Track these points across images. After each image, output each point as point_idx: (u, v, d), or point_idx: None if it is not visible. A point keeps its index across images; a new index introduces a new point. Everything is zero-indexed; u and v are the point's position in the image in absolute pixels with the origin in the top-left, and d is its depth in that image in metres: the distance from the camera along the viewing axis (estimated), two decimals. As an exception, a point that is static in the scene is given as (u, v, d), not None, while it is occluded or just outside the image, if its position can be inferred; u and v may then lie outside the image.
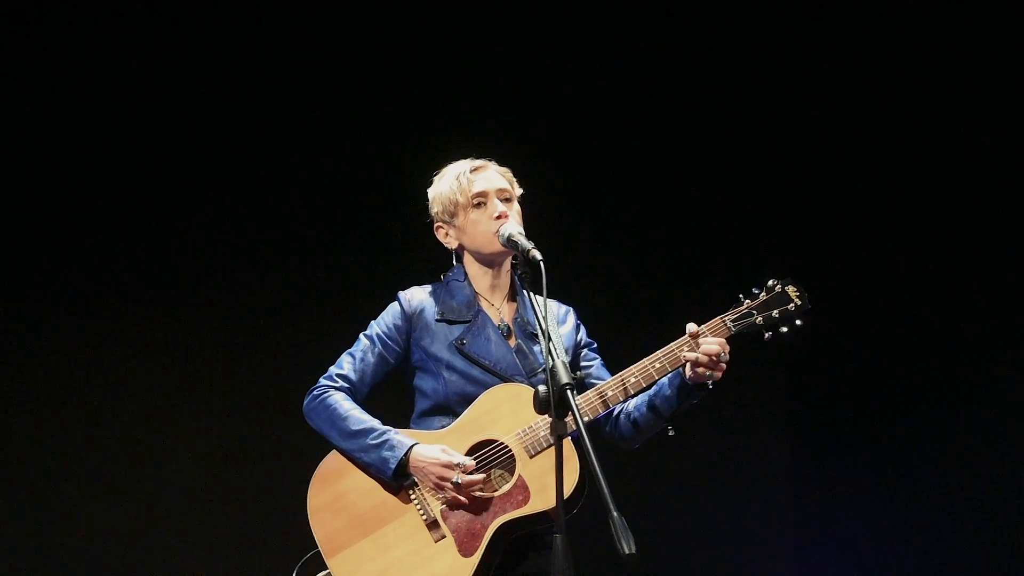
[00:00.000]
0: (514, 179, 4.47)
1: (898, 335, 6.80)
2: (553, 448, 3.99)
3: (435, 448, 4.15)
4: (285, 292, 6.53)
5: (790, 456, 7.18)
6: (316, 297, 6.53)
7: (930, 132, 6.66)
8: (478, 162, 4.44)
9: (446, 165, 4.50)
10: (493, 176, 4.41)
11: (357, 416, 4.26)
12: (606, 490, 3.41)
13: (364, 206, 6.56)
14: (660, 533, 6.44)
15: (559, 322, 4.47)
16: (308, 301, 6.53)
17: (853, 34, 6.81)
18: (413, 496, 4.18)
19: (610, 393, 4.17)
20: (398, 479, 4.17)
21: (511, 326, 4.38)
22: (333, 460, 4.27)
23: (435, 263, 4.56)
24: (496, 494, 4.13)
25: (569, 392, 3.61)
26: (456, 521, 4.13)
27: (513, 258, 4.33)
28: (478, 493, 4.12)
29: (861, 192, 6.90)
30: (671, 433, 4.25)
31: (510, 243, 4.19)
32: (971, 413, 6.55)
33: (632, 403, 4.32)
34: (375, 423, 4.24)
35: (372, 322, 4.45)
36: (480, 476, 4.12)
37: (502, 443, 4.17)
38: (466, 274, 4.44)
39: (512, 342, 4.36)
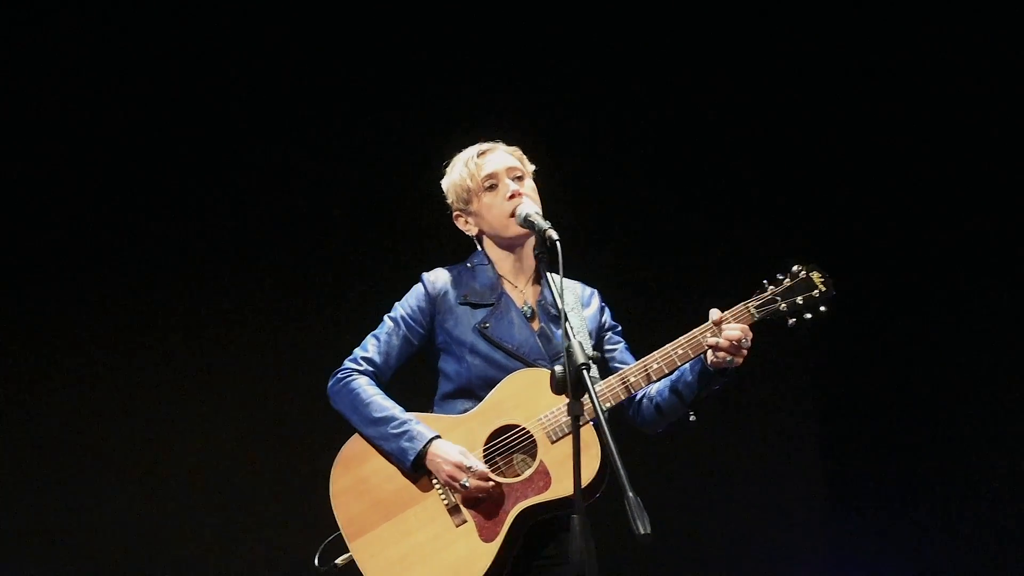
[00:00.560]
0: (524, 156, 4.45)
1: (934, 333, 6.76)
2: (575, 434, 4.06)
3: (454, 449, 4.14)
4: (308, 275, 6.55)
5: (821, 460, 7.19)
6: (340, 279, 6.54)
7: (970, 112, 6.61)
8: (485, 145, 4.44)
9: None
10: (502, 156, 4.40)
11: (379, 403, 4.26)
12: (621, 470, 3.40)
13: (388, 189, 6.56)
14: (688, 532, 6.46)
15: (583, 304, 4.45)
16: (332, 283, 6.55)
17: (879, 15, 6.76)
18: (435, 481, 4.17)
19: (632, 379, 4.15)
20: (417, 470, 4.18)
21: (535, 309, 4.37)
22: (355, 444, 4.27)
23: (459, 245, 4.55)
24: (518, 479, 4.12)
25: (585, 372, 3.59)
26: (477, 506, 4.13)
27: (535, 239, 4.29)
28: (496, 481, 4.11)
29: (899, 179, 6.86)
30: (692, 419, 4.24)
31: (527, 223, 4.17)
32: (1004, 413, 6.52)
33: (655, 388, 4.30)
34: (397, 410, 4.24)
35: (396, 304, 4.44)
36: (489, 484, 4.11)
37: (524, 428, 4.16)
38: (489, 258, 4.42)
39: (536, 325, 4.34)
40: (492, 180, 4.35)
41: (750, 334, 4.09)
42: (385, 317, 4.43)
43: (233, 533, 6.33)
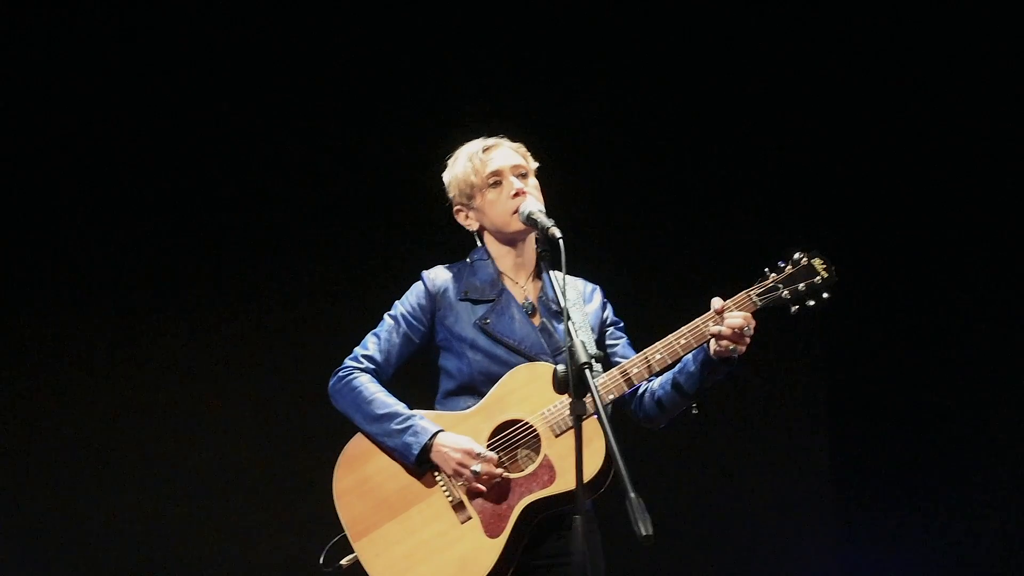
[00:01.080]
0: (528, 153, 4.42)
1: (946, 327, 6.73)
2: (578, 427, 4.04)
3: (460, 438, 4.12)
4: (308, 275, 6.54)
5: (830, 455, 7.15)
6: (340, 279, 6.53)
7: (977, 98, 6.60)
8: (489, 140, 4.40)
9: (465, 143, 4.45)
10: (507, 153, 4.37)
11: (382, 400, 4.24)
12: (624, 471, 3.39)
13: (388, 187, 6.54)
14: (693, 530, 6.43)
15: (585, 300, 4.43)
16: (332, 282, 6.53)
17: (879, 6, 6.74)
18: (439, 478, 4.15)
19: (634, 371, 4.12)
20: (421, 465, 4.15)
21: (536, 305, 4.34)
22: (358, 443, 4.25)
23: (459, 243, 4.52)
24: (522, 474, 4.10)
25: (587, 372, 3.58)
26: (482, 502, 4.10)
27: (537, 236, 4.27)
28: (504, 473, 4.09)
29: (901, 169, 6.83)
30: (695, 412, 4.21)
31: (530, 221, 4.16)
32: (1018, 409, 6.49)
33: (656, 382, 4.28)
34: (400, 407, 4.22)
35: (396, 302, 4.42)
36: (499, 470, 4.09)
37: (527, 423, 4.13)
38: (489, 253, 4.40)
39: (537, 321, 4.32)
40: (497, 177, 4.32)
41: (753, 322, 4.07)
42: (385, 315, 4.41)
43: (237, 536, 6.30)
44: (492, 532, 4.06)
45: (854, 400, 7.03)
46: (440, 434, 4.13)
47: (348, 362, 4.36)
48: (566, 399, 4.00)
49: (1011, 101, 6.43)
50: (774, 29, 6.94)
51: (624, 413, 4.35)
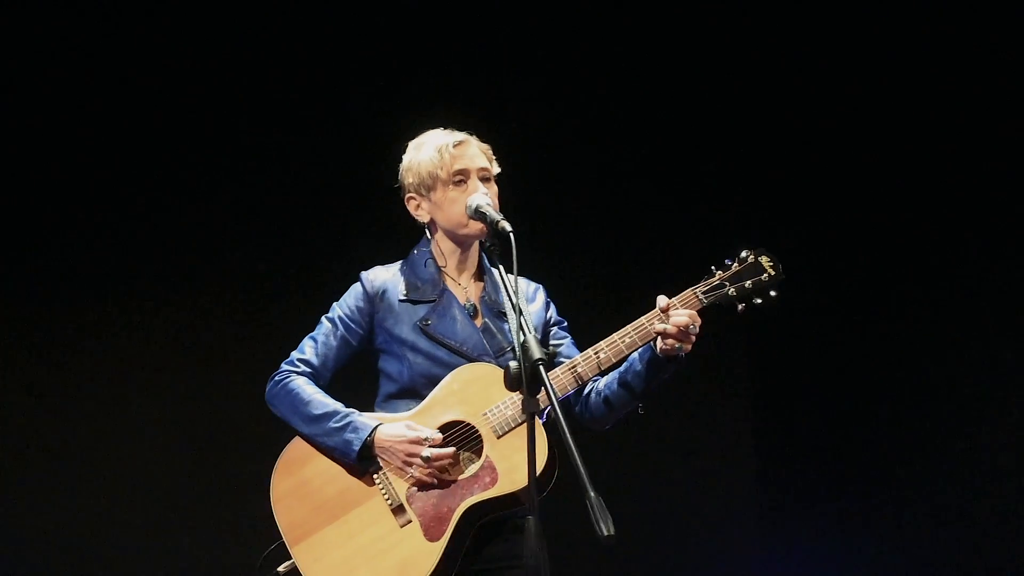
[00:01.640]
0: (493, 157, 4.32)
1: (869, 329, 6.75)
2: (521, 428, 3.99)
3: (399, 425, 4.05)
4: (247, 276, 6.44)
5: (755, 457, 7.15)
6: (278, 280, 6.44)
7: (907, 107, 6.59)
8: (460, 136, 4.28)
9: (411, 142, 4.35)
10: (476, 153, 4.26)
11: (320, 400, 4.16)
12: (582, 469, 3.29)
13: (325, 187, 6.47)
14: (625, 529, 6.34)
15: (528, 300, 4.35)
16: (269, 285, 6.44)
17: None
18: (378, 480, 4.07)
19: (581, 369, 4.05)
20: (362, 462, 4.07)
21: (477, 305, 4.27)
22: (297, 447, 4.16)
23: (401, 242, 4.43)
24: (463, 476, 4.02)
25: (541, 367, 3.49)
26: (422, 505, 4.02)
27: (484, 232, 4.19)
28: (445, 475, 4.01)
29: (837, 172, 6.81)
30: (641, 411, 4.15)
31: (478, 214, 4.08)
32: (941, 410, 6.52)
33: (602, 381, 4.21)
34: (338, 406, 4.14)
35: (334, 304, 4.33)
36: (450, 449, 4.02)
37: (468, 424, 4.06)
38: (434, 250, 4.31)
39: (479, 321, 4.24)
40: (462, 176, 4.21)
41: (698, 320, 4.00)
42: (322, 318, 4.33)
43: (173, 545, 6.18)
44: (432, 536, 3.98)
45: (778, 401, 7.06)
46: (380, 427, 4.06)
47: (284, 366, 4.28)
48: (508, 400, 4.02)
49: (934, 118, 6.49)
50: (727, 23, 6.93)
51: (568, 414, 4.27)
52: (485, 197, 4.15)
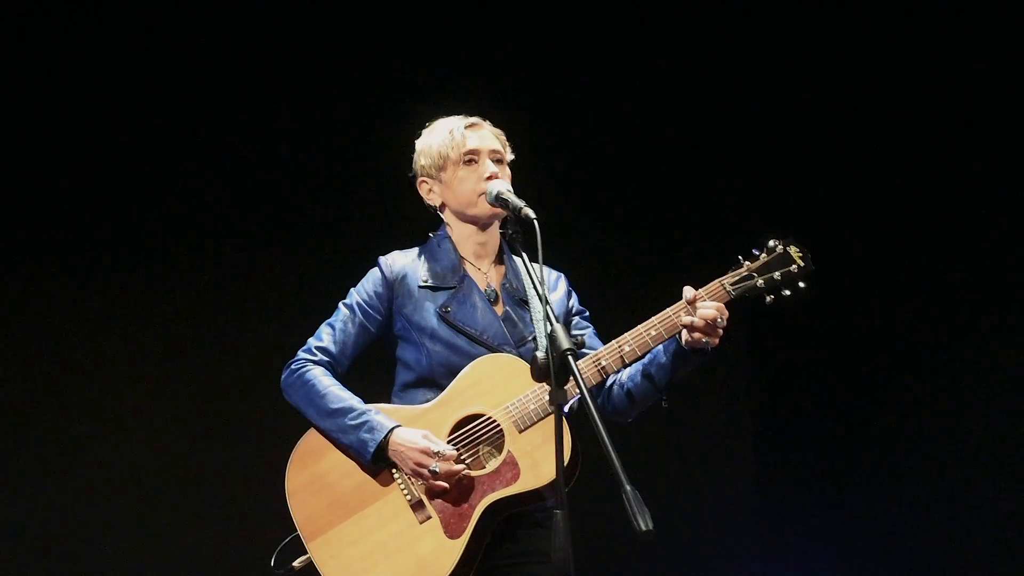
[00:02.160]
0: (507, 143, 4.28)
1: (870, 332, 6.74)
2: (544, 422, 3.92)
3: (417, 433, 3.96)
4: (261, 261, 6.35)
5: (755, 461, 7.13)
6: (293, 266, 6.36)
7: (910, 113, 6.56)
8: (473, 119, 4.26)
9: (425, 127, 4.31)
10: (487, 135, 4.23)
11: (336, 394, 4.08)
12: (616, 462, 3.20)
13: (342, 172, 6.38)
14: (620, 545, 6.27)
15: (550, 289, 4.27)
16: (285, 270, 6.36)
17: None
18: (397, 475, 3.99)
19: (605, 362, 3.96)
20: (377, 463, 3.99)
21: (499, 292, 4.19)
22: (312, 439, 4.09)
23: (417, 228, 4.36)
24: (484, 472, 3.94)
25: (571, 358, 3.39)
26: (442, 501, 3.94)
27: (502, 220, 4.13)
28: (465, 471, 3.93)
29: (832, 173, 6.81)
30: (665, 404, 4.08)
31: (499, 201, 4.01)
32: (943, 414, 6.52)
33: (625, 373, 4.13)
34: (355, 402, 4.06)
35: (352, 290, 4.26)
36: (460, 467, 3.93)
37: (490, 417, 3.98)
38: (451, 237, 4.23)
39: (499, 309, 4.16)
40: (473, 155, 4.17)
41: (726, 313, 3.93)
42: (340, 304, 4.25)
43: (186, 536, 6.10)
44: (452, 533, 3.90)
45: (779, 406, 7.05)
46: (397, 430, 3.97)
47: (301, 354, 4.20)
48: (531, 392, 3.94)
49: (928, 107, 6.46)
50: (741, 18, 6.88)
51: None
52: (505, 184, 4.10)
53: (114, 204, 6.21)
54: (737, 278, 3.97)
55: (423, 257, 4.23)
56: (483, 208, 4.11)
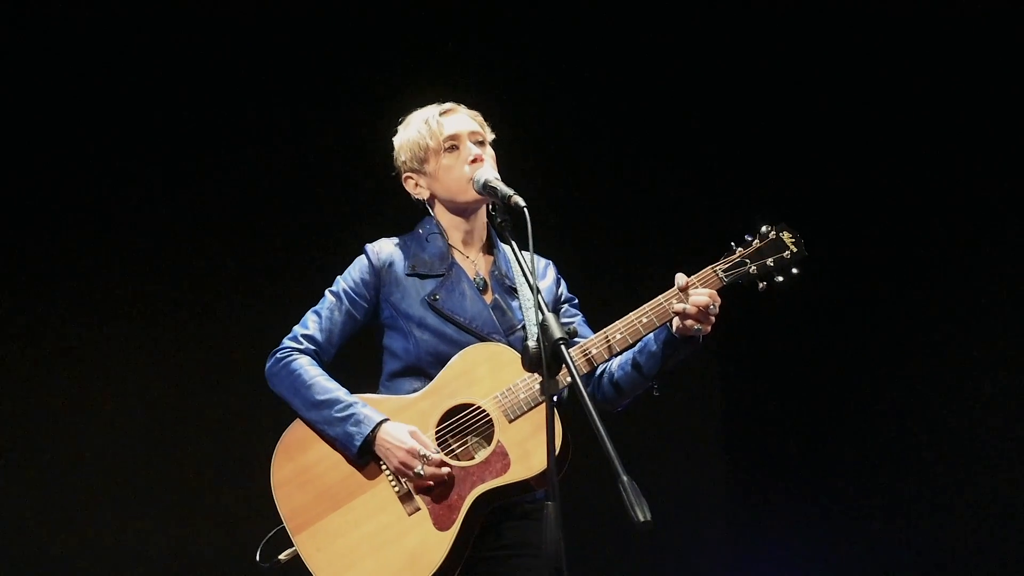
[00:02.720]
0: (485, 123, 4.23)
1: (839, 328, 6.77)
2: (534, 412, 3.87)
3: (404, 430, 3.90)
4: (245, 248, 6.30)
5: (725, 456, 7.13)
6: (278, 253, 6.31)
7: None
8: (446, 105, 4.21)
9: (411, 113, 4.26)
10: (464, 119, 4.18)
11: (322, 384, 4.02)
12: (613, 452, 3.17)
13: (327, 158, 6.35)
14: (593, 539, 6.24)
15: (539, 277, 4.22)
16: (270, 257, 6.31)
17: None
18: (384, 467, 3.93)
19: (594, 351, 3.91)
20: (364, 456, 3.94)
21: (487, 280, 4.15)
22: (298, 430, 4.03)
23: (405, 215, 4.30)
24: (473, 462, 3.89)
25: (563, 347, 3.36)
26: (431, 493, 3.88)
27: (491, 207, 4.09)
28: (453, 467, 3.88)
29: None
30: (656, 393, 4.04)
31: (487, 190, 3.95)
32: (913, 412, 6.57)
33: (615, 362, 4.08)
34: (341, 393, 4.00)
35: (338, 277, 4.21)
36: (445, 470, 3.87)
37: (479, 407, 3.92)
38: (440, 225, 4.18)
39: (488, 297, 4.12)
40: (454, 141, 4.12)
41: (718, 299, 3.87)
42: (326, 292, 4.20)
43: (171, 528, 6.07)
44: (442, 524, 3.85)
45: (749, 400, 7.06)
46: (384, 425, 3.92)
47: (286, 342, 4.14)
48: (520, 382, 3.90)
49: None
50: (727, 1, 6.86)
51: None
52: (493, 171, 4.06)
53: (88, 197, 6.15)
54: (729, 264, 3.92)
55: (411, 245, 4.18)
56: (472, 194, 4.06)
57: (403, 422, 3.92)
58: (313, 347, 4.10)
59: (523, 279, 4.07)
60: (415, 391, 4.00)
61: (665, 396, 6.23)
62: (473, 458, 3.89)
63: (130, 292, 6.19)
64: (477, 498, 3.84)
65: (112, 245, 6.17)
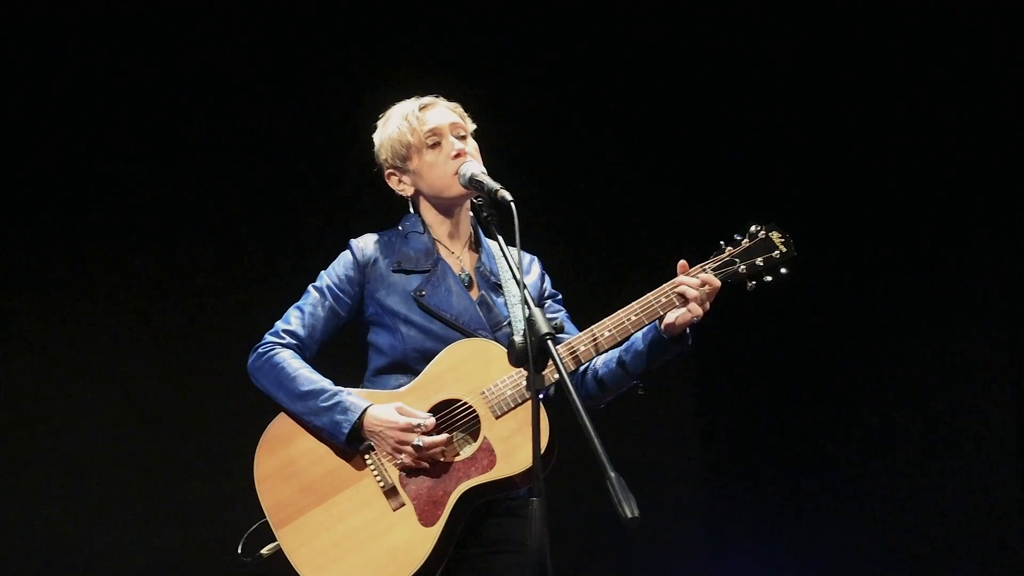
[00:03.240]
0: (465, 113, 4.20)
1: (813, 326, 6.81)
2: (520, 408, 3.84)
3: (389, 408, 3.87)
4: (226, 243, 6.27)
5: (701, 453, 7.15)
6: (261, 247, 6.28)
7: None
8: (425, 99, 4.17)
9: (390, 108, 4.22)
10: (444, 112, 4.14)
11: (306, 376, 3.98)
12: (600, 448, 3.14)
13: (310, 153, 6.31)
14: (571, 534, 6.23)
15: (524, 272, 4.16)
16: (252, 251, 6.28)
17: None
18: (369, 461, 3.90)
19: (582, 348, 3.89)
20: (352, 444, 3.90)
21: (473, 276, 4.12)
22: (282, 423, 3.99)
23: (389, 210, 4.27)
24: (459, 458, 3.86)
25: (550, 343, 3.33)
26: (416, 488, 3.85)
27: (476, 200, 4.03)
28: (440, 458, 3.84)
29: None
30: (642, 392, 4.04)
31: (474, 184, 3.92)
32: (883, 406, 6.65)
33: (600, 359, 4.06)
34: (326, 383, 3.96)
35: (322, 272, 4.17)
36: (443, 436, 3.85)
37: (465, 403, 3.90)
38: (424, 221, 4.15)
39: (475, 293, 4.09)
40: (436, 136, 4.08)
41: (717, 283, 3.86)
42: (310, 287, 4.16)
43: (151, 522, 6.04)
44: (426, 520, 3.82)
45: (724, 397, 7.07)
46: (370, 409, 3.88)
47: (268, 337, 4.11)
48: (507, 378, 3.88)
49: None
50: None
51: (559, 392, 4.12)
52: (478, 165, 4.02)
53: (63, 192, 6.12)
54: (719, 263, 3.92)
55: (395, 240, 4.15)
56: (458, 188, 4.03)
57: None
58: (295, 342, 4.07)
59: (509, 274, 4.06)
60: (400, 386, 3.97)
61: (638, 396, 6.28)
62: (459, 454, 3.87)
63: (104, 288, 6.16)
64: (463, 494, 3.81)
65: (86, 241, 6.13)
